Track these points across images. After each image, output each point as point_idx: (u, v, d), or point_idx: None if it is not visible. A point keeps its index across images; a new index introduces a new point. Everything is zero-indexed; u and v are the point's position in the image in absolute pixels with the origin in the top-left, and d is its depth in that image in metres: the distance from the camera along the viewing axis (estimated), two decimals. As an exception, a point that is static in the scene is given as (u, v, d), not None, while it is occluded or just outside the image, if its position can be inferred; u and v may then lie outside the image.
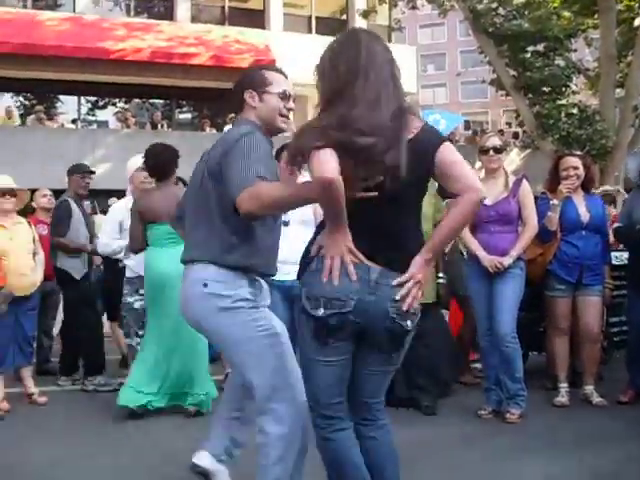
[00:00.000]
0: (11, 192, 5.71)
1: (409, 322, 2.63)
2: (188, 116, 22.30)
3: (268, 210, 2.84)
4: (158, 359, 5.14)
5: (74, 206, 6.41)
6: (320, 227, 2.64)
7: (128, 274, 5.89)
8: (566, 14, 15.93)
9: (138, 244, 5.28)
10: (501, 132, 21.80)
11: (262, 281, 3.17)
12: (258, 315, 3.01)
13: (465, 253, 6.09)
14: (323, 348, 2.60)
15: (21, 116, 18.61)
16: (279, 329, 3.07)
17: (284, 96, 3.13)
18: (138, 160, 5.87)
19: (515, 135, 21.69)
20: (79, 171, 6.59)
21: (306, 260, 2.61)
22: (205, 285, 2.94)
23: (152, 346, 5.17)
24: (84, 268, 6.40)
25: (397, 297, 2.55)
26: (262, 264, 3.06)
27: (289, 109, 3.15)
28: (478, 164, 5.62)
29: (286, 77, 3.21)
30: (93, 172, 6.77)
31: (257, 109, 3.11)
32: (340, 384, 2.67)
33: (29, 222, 5.99)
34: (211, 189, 2.97)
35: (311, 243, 2.64)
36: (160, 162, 5.29)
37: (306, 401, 2.76)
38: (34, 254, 5.81)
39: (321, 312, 2.52)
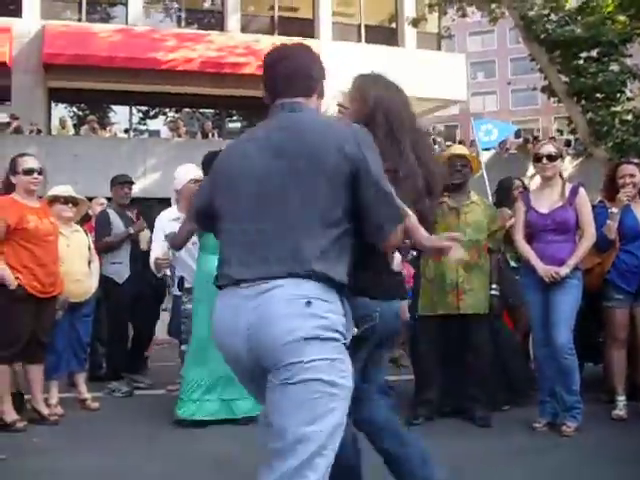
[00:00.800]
0: (73, 201, 5.84)
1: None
2: (238, 125, 22.47)
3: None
4: (209, 365, 5.14)
5: (114, 216, 6.61)
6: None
7: (187, 284, 5.95)
8: (621, 18, 15.59)
9: (181, 242, 5.32)
10: (553, 139, 21.50)
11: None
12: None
13: (513, 263, 6.02)
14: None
15: (74, 126, 18.99)
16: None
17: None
18: (189, 170, 5.91)
19: (567, 142, 21.34)
20: (118, 182, 6.81)
21: None
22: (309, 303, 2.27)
23: (203, 352, 5.17)
24: (127, 273, 6.50)
25: None
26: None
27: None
28: (530, 172, 5.53)
29: None
30: (132, 182, 6.89)
31: (319, 103, 2.70)
32: None
33: (85, 230, 6.11)
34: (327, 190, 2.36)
35: None
36: None
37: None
38: (89, 261, 5.92)
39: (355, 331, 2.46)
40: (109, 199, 7.45)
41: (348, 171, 2.34)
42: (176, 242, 5.39)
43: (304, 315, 2.23)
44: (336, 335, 2.28)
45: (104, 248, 6.54)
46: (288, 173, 2.35)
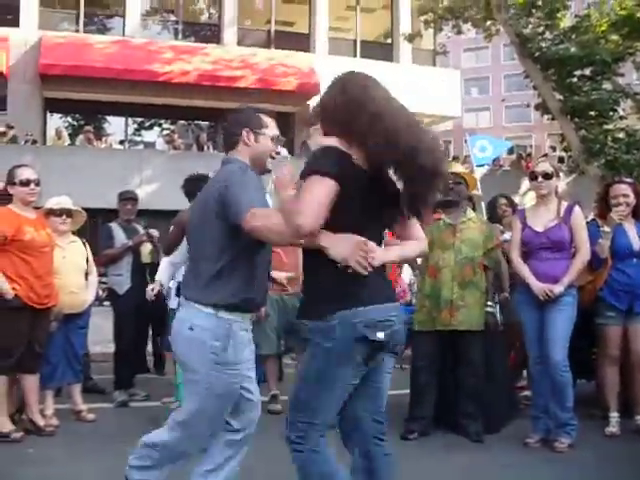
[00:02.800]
0: (68, 213, 5.86)
1: None
2: (232, 138, 22.50)
3: (268, 233, 2.92)
4: None
5: (117, 229, 6.68)
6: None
7: None
8: (614, 38, 15.74)
9: (172, 249, 5.56)
10: (545, 156, 21.60)
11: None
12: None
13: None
14: (363, 370, 2.82)
15: (70, 136, 18.99)
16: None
17: (275, 140, 3.37)
18: None
19: (560, 159, 21.47)
20: (121, 198, 6.97)
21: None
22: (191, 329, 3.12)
23: None
24: (128, 284, 6.54)
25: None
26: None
27: (277, 152, 3.42)
28: (523, 188, 5.59)
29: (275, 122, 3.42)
30: (134, 198, 6.95)
31: (251, 148, 3.30)
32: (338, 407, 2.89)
33: (84, 242, 6.13)
34: (212, 223, 3.11)
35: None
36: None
37: None
38: (87, 274, 5.94)
39: (382, 335, 2.73)
40: (110, 210, 7.53)
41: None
42: (169, 250, 5.59)
43: None
44: None
45: (105, 260, 6.64)
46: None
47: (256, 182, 3.15)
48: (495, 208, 6.91)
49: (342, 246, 2.68)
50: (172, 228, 5.59)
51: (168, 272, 6.04)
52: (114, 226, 6.76)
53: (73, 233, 6.07)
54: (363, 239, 2.69)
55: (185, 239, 5.39)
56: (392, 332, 2.78)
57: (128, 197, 6.96)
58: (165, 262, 6.06)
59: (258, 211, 2.91)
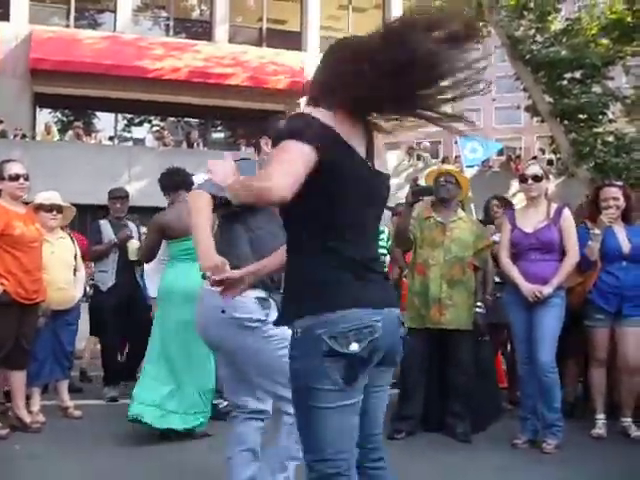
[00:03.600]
0: (58, 208, 5.83)
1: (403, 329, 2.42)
2: (222, 135, 22.49)
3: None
4: (165, 375, 5.13)
5: (106, 227, 6.66)
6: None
7: None
8: (604, 41, 15.85)
9: (152, 255, 5.57)
10: (535, 158, 21.69)
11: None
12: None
13: (498, 279, 6.06)
14: (350, 389, 2.24)
15: (59, 132, 18.91)
16: None
17: None
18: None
19: (549, 162, 21.56)
20: (110, 197, 6.91)
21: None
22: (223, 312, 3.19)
23: (159, 359, 5.16)
24: (112, 281, 6.54)
25: None
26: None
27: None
28: (513, 189, 5.61)
29: None
30: (123, 197, 6.92)
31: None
32: (357, 428, 2.31)
33: (72, 237, 6.10)
34: None
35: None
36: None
37: None
38: (75, 270, 5.92)
39: (356, 347, 2.20)
40: (100, 207, 7.52)
41: None
42: (149, 257, 5.62)
43: None
44: None
45: (92, 256, 6.67)
46: None
47: None
48: (486, 209, 6.95)
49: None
50: (148, 232, 5.52)
51: (156, 281, 5.75)
52: (103, 223, 6.74)
53: (62, 229, 6.05)
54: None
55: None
56: (373, 341, 2.22)
57: (117, 195, 6.92)
58: (151, 270, 6.03)
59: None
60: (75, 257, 5.99)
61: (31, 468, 4.50)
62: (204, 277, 2.95)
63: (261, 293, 3.24)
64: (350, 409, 2.26)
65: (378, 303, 2.29)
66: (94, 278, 6.86)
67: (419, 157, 20.70)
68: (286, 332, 2.74)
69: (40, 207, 5.77)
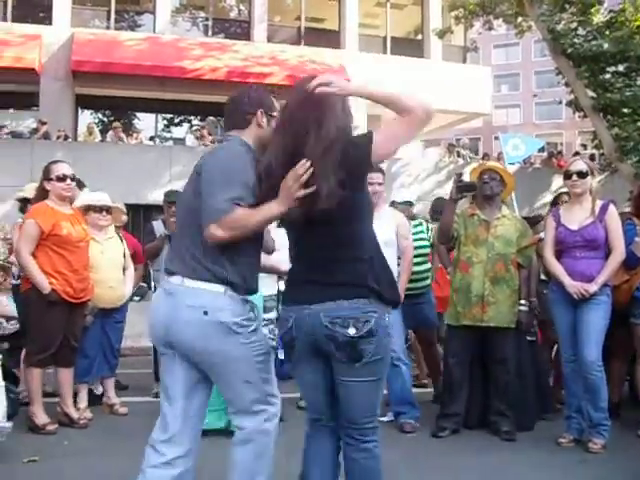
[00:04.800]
0: (107, 209, 5.93)
1: (351, 329, 2.73)
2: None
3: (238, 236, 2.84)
4: None
5: (159, 228, 6.68)
6: None
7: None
8: (649, 33, 15.56)
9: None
10: (577, 154, 21.39)
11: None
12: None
13: (544, 276, 5.99)
14: (295, 366, 2.99)
15: (101, 132, 19.16)
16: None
17: None
18: None
19: (591, 157, 21.25)
20: (165, 201, 6.82)
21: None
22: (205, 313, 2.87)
23: None
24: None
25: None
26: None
27: None
28: (555, 185, 5.53)
29: None
30: (171, 202, 6.95)
31: (263, 130, 3.09)
32: (317, 401, 3.01)
33: (121, 237, 6.20)
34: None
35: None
36: None
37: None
38: (124, 268, 6.02)
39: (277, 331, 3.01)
40: (140, 206, 7.59)
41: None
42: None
43: None
44: None
45: (147, 253, 6.65)
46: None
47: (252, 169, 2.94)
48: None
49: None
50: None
51: None
52: (157, 223, 6.76)
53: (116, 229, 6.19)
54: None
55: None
56: (287, 330, 2.90)
57: (173, 200, 6.91)
58: None
59: (229, 218, 2.78)
60: (124, 256, 6.09)
61: (79, 464, 4.57)
62: (168, 272, 2.99)
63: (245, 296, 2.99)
64: (308, 378, 2.99)
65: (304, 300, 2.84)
66: (152, 278, 6.85)
67: (459, 154, 20.56)
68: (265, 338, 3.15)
69: (90, 208, 5.87)
